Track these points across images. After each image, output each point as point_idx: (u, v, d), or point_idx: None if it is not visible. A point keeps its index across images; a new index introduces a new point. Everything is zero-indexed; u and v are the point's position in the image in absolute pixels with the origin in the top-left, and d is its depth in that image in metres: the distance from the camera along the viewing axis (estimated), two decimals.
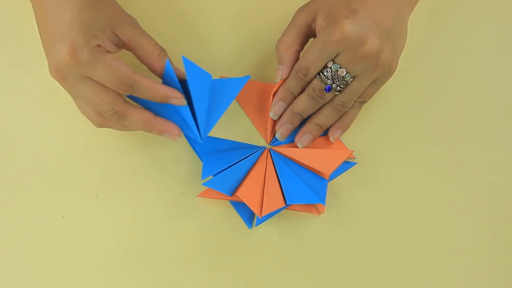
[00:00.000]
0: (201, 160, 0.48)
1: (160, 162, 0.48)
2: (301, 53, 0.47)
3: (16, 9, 0.51)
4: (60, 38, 0.39)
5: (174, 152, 0.49)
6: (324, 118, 0.47)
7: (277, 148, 0.48)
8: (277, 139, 0.48)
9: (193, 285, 0.46)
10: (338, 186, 0.49)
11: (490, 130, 0.51)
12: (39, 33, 0.43)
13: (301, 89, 0.46)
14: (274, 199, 0.46)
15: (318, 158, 0.47)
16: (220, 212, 0.48)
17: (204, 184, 0.46)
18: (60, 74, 0.40)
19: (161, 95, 0.42)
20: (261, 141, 0.49)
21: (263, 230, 0.48)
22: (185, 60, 0.42)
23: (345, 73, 0.43)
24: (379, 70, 0.44)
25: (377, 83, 0.46)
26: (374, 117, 0.50)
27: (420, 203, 0.49)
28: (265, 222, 0.47)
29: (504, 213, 0.49)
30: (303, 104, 0.46)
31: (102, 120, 0.43)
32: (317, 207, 0.48)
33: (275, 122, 0.48)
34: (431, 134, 0.50)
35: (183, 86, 0.43)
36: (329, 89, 0.44)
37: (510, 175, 0.50)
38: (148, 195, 0.48)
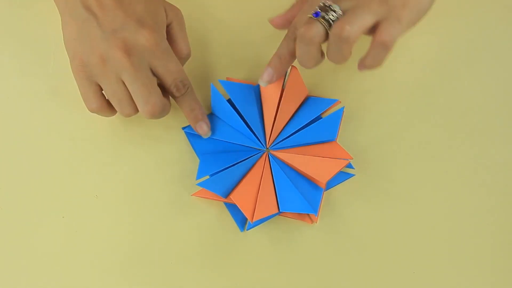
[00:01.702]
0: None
1: (161, 161, 0.48)
2: None
3: (16, 9, 0.51)
4: (137, 22, 0.41)
5: (175, 151, 0.49)
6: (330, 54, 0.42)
7: (276, 153, 0.48)
8: (276, 143, 0.48)
9: (187, 283, 0.46)
10: (333, 194, 0.48)
11: (490, 132, 0.50)
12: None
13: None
14: (267, 205, 0.46)
15: (315, 166, 0.46)
16: (215, 212, 0.48)
17: (199, 184, 0.46)
18: (127, 52, 0.41)
19: (198, 113, 0.46)
20: (261, 144, 0.49)
21: (255, 234, 0.47)
22: (223, 82, 0.47)
23: (330, 3, 0.40)
24: (381, 4, 0.40)
25: (392, 21, 0.40)
26: (371, 123, 0.50)
27: (420, 203, 0.48)
28: (258, 226, 0.47)
29: (504, 213, 0.49)
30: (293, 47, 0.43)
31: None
32: (310, 216, 0.47)
33: (273, 125, 0.48)
34: (429, 140, 0.50)
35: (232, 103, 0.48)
36: (317, 15, 0.40)
37: (510, 175, 0.50)
38: (148, 194, 0.48)
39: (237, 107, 0.47)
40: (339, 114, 0.48)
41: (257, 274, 0.47)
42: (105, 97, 0.44)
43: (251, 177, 0.46)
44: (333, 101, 0.48)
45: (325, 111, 0.49)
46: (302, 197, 0.46)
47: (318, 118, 0.48)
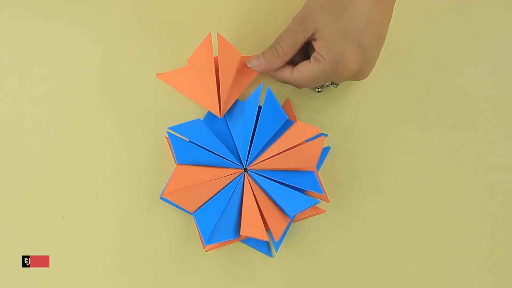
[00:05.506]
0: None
1: (160, 162, 0.48)
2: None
3: (17, 9, 0.51)
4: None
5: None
6: None
7: (254, 167, 0.47)
8: (251, 160, 0.47)
9: (187, 283, 0.46)
10: (338, 189, 0.49)
11: (490, 130, 0.51)
12: None
13: None
14: (278, 220, 0.46)
15: (297, 157, 0.46)
16: None
17: (207, 243, 0.45)
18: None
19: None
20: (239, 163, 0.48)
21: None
22: (174, 130, 0.46)
23: None
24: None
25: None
26: (371, 116, 0.51)
27: (420, 203, 0.49)
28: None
29: (504, 213, 0.49)
30: None
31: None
32: (321, 202, 0.47)
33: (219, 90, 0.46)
34: (430, 134, 0.50)
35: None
36: None
37: (510, 175, 0.50)
38: (147, 195, 0.48)
39: (199, 144, 0.46)
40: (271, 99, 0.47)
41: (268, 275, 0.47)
42: None
43: (247, 205, 0.46)
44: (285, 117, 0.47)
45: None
46: (301, 193, 0.45)
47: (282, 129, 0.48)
